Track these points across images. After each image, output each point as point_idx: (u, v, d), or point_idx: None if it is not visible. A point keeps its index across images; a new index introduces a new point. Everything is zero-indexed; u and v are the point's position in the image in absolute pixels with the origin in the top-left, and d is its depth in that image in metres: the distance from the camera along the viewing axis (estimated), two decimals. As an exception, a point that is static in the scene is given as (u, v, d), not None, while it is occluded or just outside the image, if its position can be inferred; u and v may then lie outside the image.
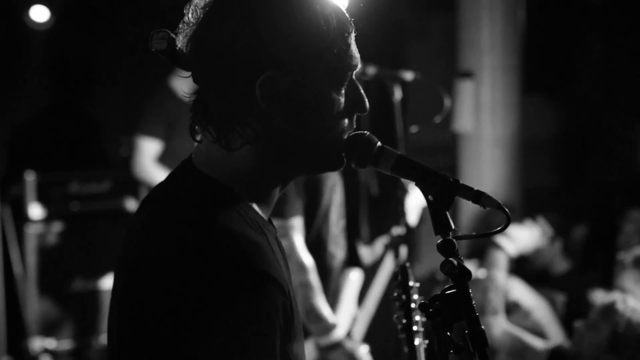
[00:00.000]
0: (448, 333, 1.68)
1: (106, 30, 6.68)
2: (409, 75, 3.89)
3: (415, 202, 4.06)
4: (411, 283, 2.31)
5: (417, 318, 2.27)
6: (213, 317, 1.47)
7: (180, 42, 1.66)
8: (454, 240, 1.67)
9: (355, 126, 1.75)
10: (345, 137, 1.72)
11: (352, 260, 4.09)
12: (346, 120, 1.71)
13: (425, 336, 2.24)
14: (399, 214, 3.88)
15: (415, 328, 2.26)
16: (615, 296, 3.46)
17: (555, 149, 8.74)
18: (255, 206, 1.70)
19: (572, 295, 5.51)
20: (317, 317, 3.54)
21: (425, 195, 1.71)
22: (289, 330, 1.60)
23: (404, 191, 3.88)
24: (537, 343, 3.74)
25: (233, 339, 1.47)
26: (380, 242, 4.29)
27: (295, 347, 1.64)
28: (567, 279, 5.74)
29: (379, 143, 1.75)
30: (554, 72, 8.25)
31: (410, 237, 3.90)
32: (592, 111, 8.24)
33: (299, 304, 3.49)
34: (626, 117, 8.34)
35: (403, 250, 3.92)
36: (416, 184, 1.73)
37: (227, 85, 1.61)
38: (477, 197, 1.69)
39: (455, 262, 1.65)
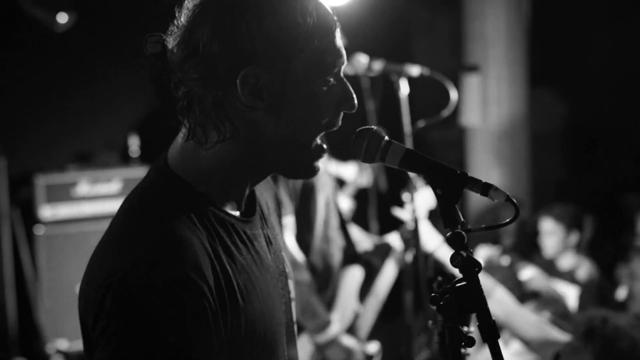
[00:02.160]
0: (460, 326, 1.69)
1: (120, 29, 6.69)
2: (415, 70, 3.88)
3: (423, 202, 4.04)
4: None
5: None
6: (125, 324, 1.51)
7: (171, 44, 1.69)
8: (463, 233, 1.68)
9: (340, 123, 1.76)
10: (319, 142, 1.74)
11: (353, 257, 4.10)
12: (328, 118, 1.72)
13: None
14: (406, 211, 3.88)
15: None
16: (595, 315, 3.42)
17: (563, 141, 8.72)
18: (221, 204, 1.72)
19: (583, 289, 5.51)
20: (313, 314, 3.55)
21: (434, 188, 1.72)
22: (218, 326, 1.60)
23: (411, 187, 3.87)
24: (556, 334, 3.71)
25: (147, 338, 1.49)
26: (389, 238, 4.28)
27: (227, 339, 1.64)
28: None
29: (386, 137, 1.76)
30: (561, 64, 8.23)
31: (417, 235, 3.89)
32: (600, 103, 8.22)
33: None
34: (634, 109, 8.32)
35: (409, 249, 3.93)
36: (424, 178, 1.74)
37: (210, 82, 1.64)
38: (486, 189, 1.70)
39: (464, 255, 1.65)
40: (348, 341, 3.69)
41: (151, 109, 7.06)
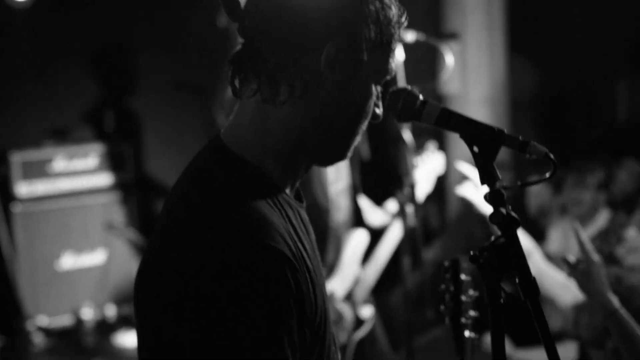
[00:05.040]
0: (499, 283, 1.67)
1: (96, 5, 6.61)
2: (410, 36, 3.85)
3: (427, 171, 4.03)
4: (463, 277, 2.28)
5: (469, 312, 2.25)
6: (221, 300, 1.45)
7: None
8: (502, 190, 1.66)
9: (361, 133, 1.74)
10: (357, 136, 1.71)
11: (358, 221, 4.08)
12: (365, 122, 1.71)
13: (473, 329, 2.23)
14: (403, 175, 3.87)
15: (463, 321, 2.24)
16: (609, 274, 3.43)
17: (540, 106, 8.79)
18: (279, 183, 1.67)
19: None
20: None
21: (470, 146, 1.70)
22: (304, 304, 1.55)
23: (406, 152, 3.86)
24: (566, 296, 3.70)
25: (242, 320, 1.44)
26: (390, 206, 4.26)
27: (312, 321, 1.60)
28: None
29: (421, 96, 1.74)
30: (538, 31, 8.27)
31: (415, 198, 3.88)
32: (575, 68, 8.28)
33: None
34: (607, 74, 8.40)
35: (410, 211, 3.91)
36: (460, 136, 1.72)
37: (294, 41, 1.60)
38: (524, 146, 1.69)
39: (504, 212, 1.63)
40: (341, 306, 3.68)
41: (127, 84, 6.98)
